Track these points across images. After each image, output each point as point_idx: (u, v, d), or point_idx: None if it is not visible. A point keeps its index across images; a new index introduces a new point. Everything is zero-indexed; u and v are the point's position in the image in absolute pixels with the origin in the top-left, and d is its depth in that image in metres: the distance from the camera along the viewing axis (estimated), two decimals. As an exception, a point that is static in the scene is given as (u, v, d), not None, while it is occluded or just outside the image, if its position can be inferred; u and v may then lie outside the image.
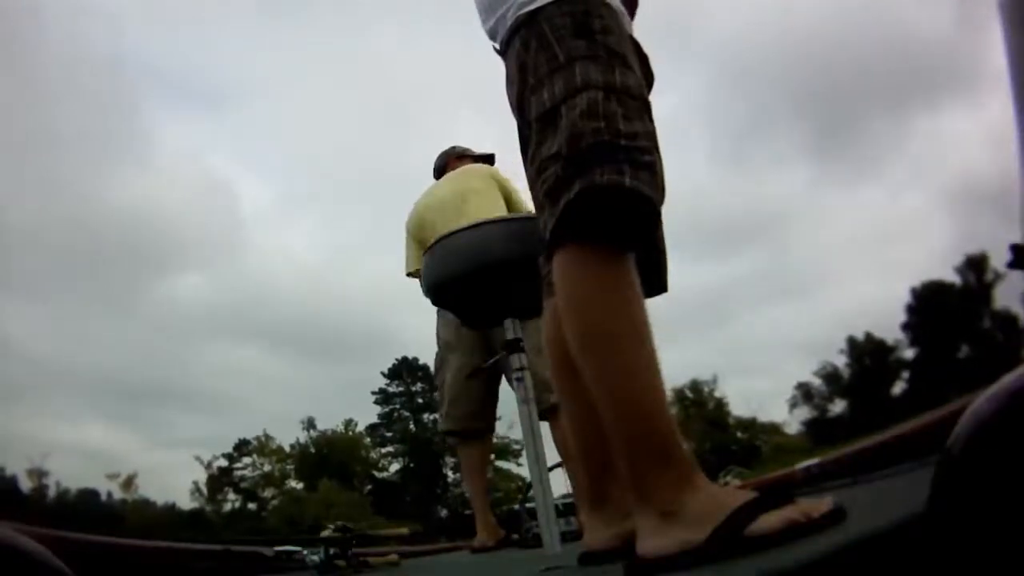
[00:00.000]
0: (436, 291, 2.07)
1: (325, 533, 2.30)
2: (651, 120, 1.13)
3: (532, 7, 1.16)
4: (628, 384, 1.00)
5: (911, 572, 0.64)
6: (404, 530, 3.97)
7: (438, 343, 3.22)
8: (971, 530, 0.56)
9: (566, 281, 1.07)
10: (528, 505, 3.15)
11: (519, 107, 1.21)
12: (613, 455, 1.26)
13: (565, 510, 2.98)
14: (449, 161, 3.43)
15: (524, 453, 2.02)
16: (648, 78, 1.24)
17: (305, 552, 2.39)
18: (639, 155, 1.05)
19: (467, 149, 3.50)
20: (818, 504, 0.92)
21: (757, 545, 0.85)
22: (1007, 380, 0.57)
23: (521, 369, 1.93)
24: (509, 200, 3.10)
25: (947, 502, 0.58)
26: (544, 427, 2.47)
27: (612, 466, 1.26)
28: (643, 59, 1.25)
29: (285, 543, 2.53)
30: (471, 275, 1.93)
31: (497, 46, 1.29)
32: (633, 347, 1.01)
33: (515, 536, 3.07)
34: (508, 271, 1.86)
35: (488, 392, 3.08)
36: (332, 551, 2.24)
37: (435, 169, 3.49)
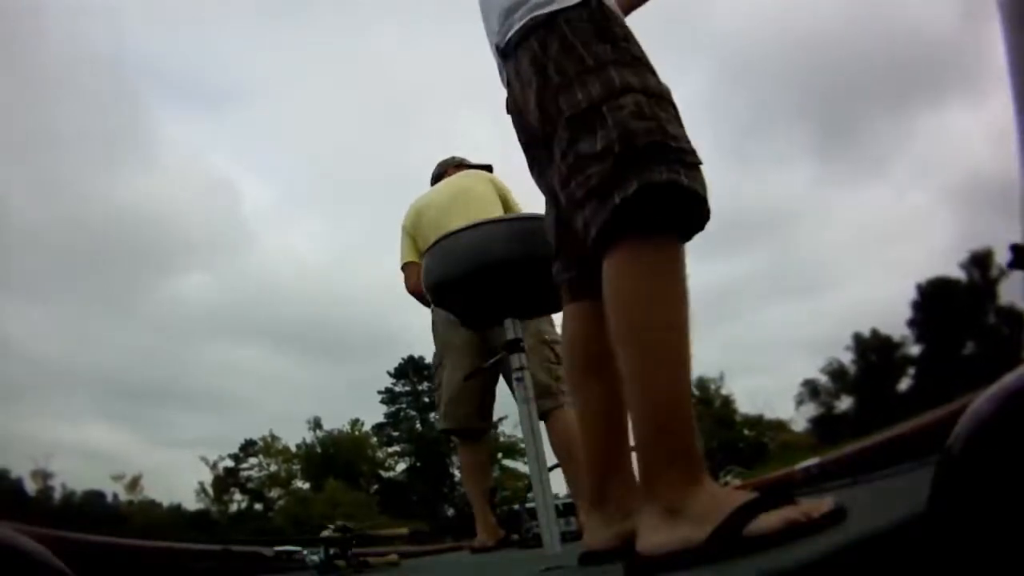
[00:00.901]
0: (436, 291, 2.07)
1: (325, 533, 2.29)
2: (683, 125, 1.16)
3: (549, 9, 1.18)
4: (666, 380, 1.01)
5: (911, 572, 0.64)
6: (404, 530, 3.97)
7: (435, 343, 3.22)
8: (971, 530, 0.56)
9: (621, 274, 1.07)
10: (528, 505, 3.15)
11: (540, 106, 1.19)
12: (622, 457, 1.27)
13: (565, 510, 2.98)
14: (447, 170, 3.44)
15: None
16: None
17: (305, 552, 2.39)
18: (688, 156, 1.07)
19: (464, 159, 3.51)
20: (818, 504, 0.92)
21: (757, 545, 0.85)
22: (1007, 380, 0.57)
23: (521, 369, 1.93)
24: (507, 205, 3.13)
25: (947, 502, 0.58)
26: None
27: (619, 468, 1.28)
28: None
29: (285, 543, 2.53)
30: (471, 275, 1.93)
31: (501, 44, 1.29)
32: (679, 343, 1.03)
33: (515, 536, 3.08)
34: (508, 271, 1.86)
35: (486, 392, 3.09)
36: (332, 551, 2.23)
37: (433, 177, 3.50)
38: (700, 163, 1.10)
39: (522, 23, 1.21)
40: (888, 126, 42.90)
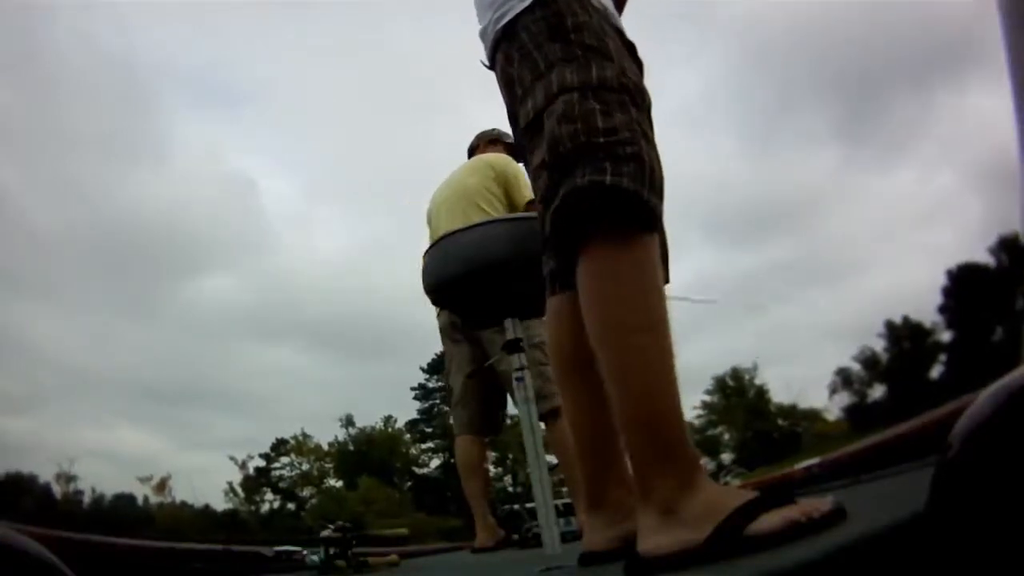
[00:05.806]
0: (436, 291, 2.07)
1: (325, 533, 2.29)
2: (638, 107, 1.11)
3: (507, 19, 1.18)
4: (642, 381, 1.00)
5: (911, 572, 0.64)
6: (404, 531, 3.97)
7: (445, 353, 3.25)
8: (971, 530, 0.56)
9: (588, 277, 1.06)
10: (528, 505, 3.15)
11: (512, 120, 1.24)
12: (614, 456, 1.27)
13: (565, 510, 2.98)
14: (480, 144, 3.42)
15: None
16: (637, 66, 1.22)
17: (305, 552, 2.39)
18: (621, 148, 1.04)
19: (504, 134, 3.39)
20: (818, 504, 0.92)
21: (757, 545, 0.85)
22: (1007, 380, 0.57)
23: (522, 369, 1.93)
24: (509, 191, 3.03)
25: (947, 502, 0.58)
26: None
27: (613, 467, 1.27)
28: (630, 47, 1.24)
29: (285, 543, 2.53)
30: (471, 275, 1.93)
31: (487, 65, 1.30)
32: (651, 340, 1.01)
33: (515, 536, 3.08)
34: (508, 271, 1.86)
35: (490, 395, 3.09)
36: (332, 551, 2.23)
37: (468, 149, 3.49)
38: (639, 151, 1.05)
39: (491, 38, 1.23)
40: (912, 107, 41.55)
